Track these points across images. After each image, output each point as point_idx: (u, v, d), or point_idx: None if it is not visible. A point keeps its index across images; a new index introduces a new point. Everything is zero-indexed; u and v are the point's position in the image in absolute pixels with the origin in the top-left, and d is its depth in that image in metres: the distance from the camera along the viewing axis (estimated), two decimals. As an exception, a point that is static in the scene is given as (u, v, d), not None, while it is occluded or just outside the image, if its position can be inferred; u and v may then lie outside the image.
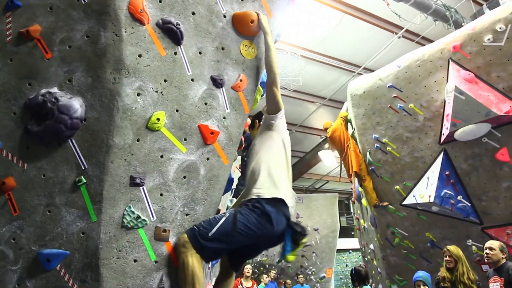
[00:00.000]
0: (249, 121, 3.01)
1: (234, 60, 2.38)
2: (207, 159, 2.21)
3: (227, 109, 2.34)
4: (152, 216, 1.98)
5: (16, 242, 1.84)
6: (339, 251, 13.22)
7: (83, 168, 1.88)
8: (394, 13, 7.38)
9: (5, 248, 1.83)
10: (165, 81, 2.08)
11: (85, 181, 1.87)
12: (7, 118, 1.93)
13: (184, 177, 2.11)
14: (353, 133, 6.12)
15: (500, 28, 4.38)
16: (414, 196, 5.29)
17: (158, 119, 2.01)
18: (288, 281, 10.15)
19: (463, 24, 7.26)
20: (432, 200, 4.91)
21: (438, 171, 4.99)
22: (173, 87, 2.10)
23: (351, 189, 7.81)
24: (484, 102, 4.33)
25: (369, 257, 7.42)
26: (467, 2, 7.94)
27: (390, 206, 5.62)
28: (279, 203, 2.13)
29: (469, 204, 4.87)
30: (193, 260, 1.92)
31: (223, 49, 2.34)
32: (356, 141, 6.01)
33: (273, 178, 2.20)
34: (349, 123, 6.24)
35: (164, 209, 2.02)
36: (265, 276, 8.96)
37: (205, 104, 2.23)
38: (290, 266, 10.67)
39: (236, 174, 4.82)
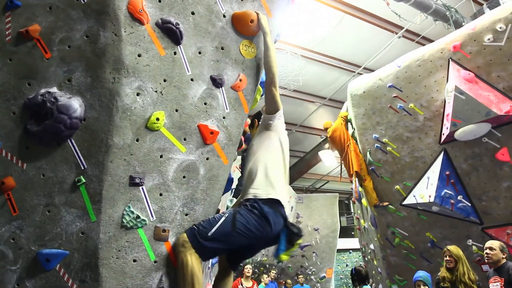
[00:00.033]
0: (248, 120, 3.00)
1: (234, 60, 2.37)
2: (207, 159, 2.21)
3: (227, 109, 2.33)
4: (152, 216, 1.98)
5: (15, 242, 1.84)
6: (339, 251, 13.21)
7: (83, 168, 1.88)
8: (394, 13, 7.38)
9: (5, 248, 1.83)
10: (164, 80, 2.08)
11: (84, 181, 1.87)
12: (7, 118, 1.93)
13: (184, 177, 2.11)
14: (353, 133, 6.12)
15: (500, 27, 4.37)
16: (414, 196, 5.29)
17: (157, 119, 2.01)
18: (288, 281, 10.15)
19: (463, 24, 7.25)
20: (432, 200, 4.91)
21: (438, 171, 4.98)
22: (172, 87, 2.10)
23: (351, 189, 7.81)
24: (484, 102, 4.33)
25: (369, 257, 7.41)
26: (467, 2, 7.93)
27: (390, 206, 5.61)
28: (275, 203, 2.14)
29: (469, 204, 4.86)
30: (192, 259, 1.92)
31: (222, 48, 2.33)
32: (356, 141, 6.01)
33: (270, 179, 2.21)
34: (349, 123, 6.23)
35: (164, 209, 2.02)
36: (265, 276, 8.96)
37: (205, 104, 2.23)
38: (290, 266, 10.68)
39: (236, 174, 4.81)
